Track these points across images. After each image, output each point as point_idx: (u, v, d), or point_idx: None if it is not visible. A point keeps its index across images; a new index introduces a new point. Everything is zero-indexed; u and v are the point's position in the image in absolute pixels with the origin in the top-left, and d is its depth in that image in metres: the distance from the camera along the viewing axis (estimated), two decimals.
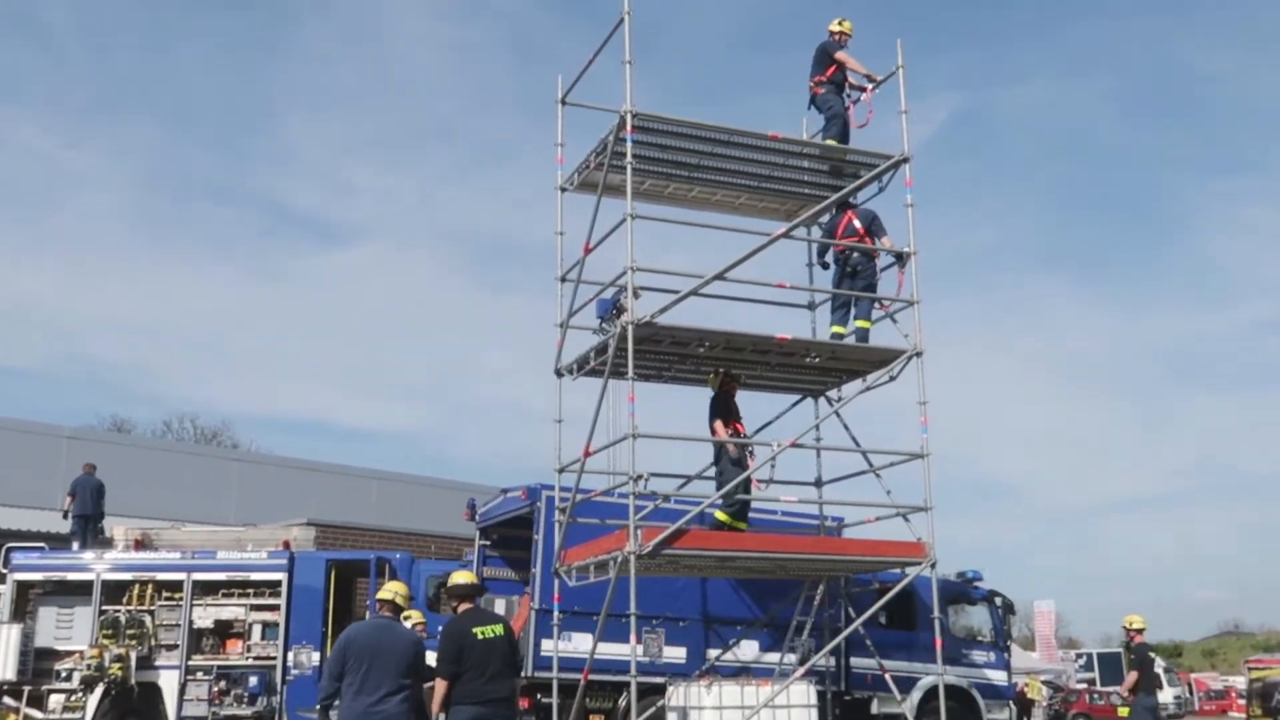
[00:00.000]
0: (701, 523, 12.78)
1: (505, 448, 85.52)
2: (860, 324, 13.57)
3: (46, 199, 74.04)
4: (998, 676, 17.33)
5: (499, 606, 14.30)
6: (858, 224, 13.75)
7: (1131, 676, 14.36)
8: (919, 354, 13.24)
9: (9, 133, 70.26)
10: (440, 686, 8.41)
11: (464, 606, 8.83)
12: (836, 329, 13.65)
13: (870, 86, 14.06)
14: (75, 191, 75.65)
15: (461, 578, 9.07)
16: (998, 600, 17.84)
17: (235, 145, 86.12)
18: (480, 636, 8.49)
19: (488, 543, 16.64)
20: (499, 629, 8.67)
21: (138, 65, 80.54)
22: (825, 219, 14.59)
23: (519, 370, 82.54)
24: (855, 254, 13.66)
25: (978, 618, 18.09)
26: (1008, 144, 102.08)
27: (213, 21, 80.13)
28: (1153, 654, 15.34)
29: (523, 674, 12.46)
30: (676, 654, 15.01)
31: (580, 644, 13.34)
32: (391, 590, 8.61)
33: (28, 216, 72.83)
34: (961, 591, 17.62)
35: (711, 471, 13.76)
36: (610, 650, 12.79)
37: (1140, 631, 14.69)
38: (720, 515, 12.99)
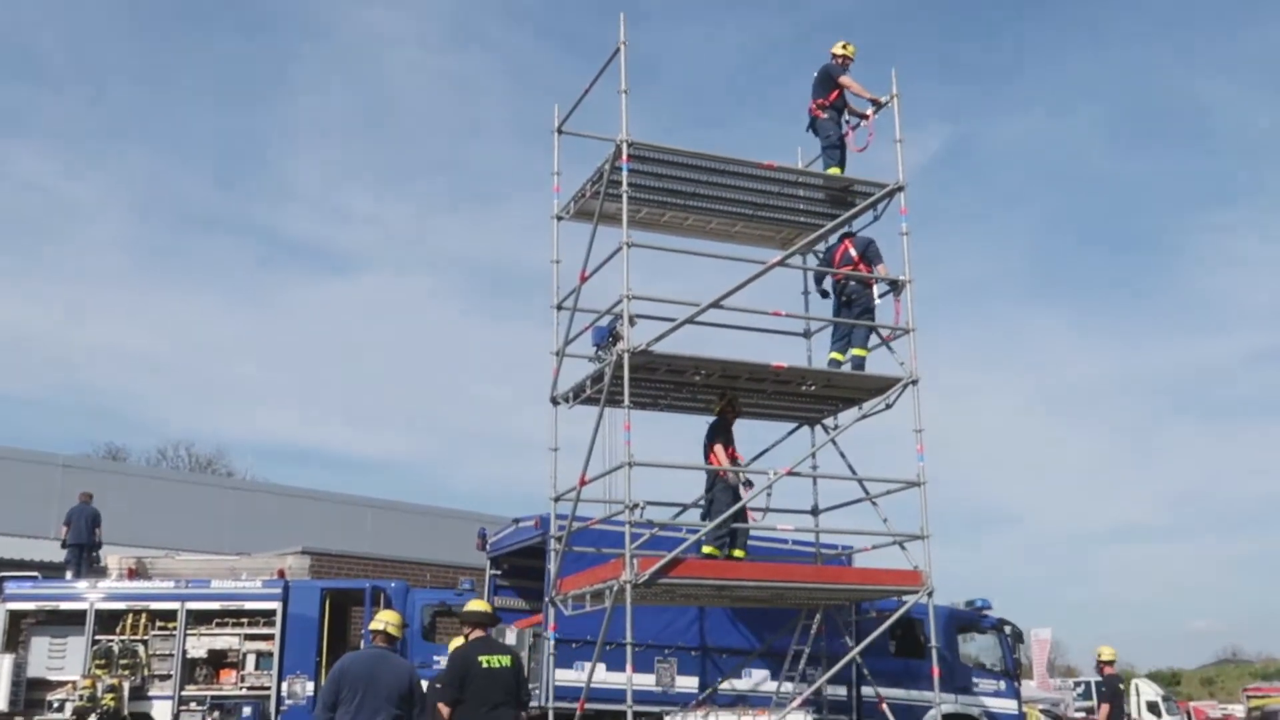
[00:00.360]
0: (697, 552, 12.74)
1: (501, 476, 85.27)
2: (856, 352, 13.57)
3: (44, 229, 74.18)
4: (1008, 705, 17.26)
5: (510, 637, 14.20)
6: (853, 252, 13.79)
7: (1104, 709, 14.38)
8: (914, 382, 13.26)
9: (7, 164, 70.47)
10: (442, 712, 8.40)
11: (475, 634, 8.82)
12: (835, 355, 13.65)
13: (872, 110, 14.10)
14: (73, 222, 75.78)
15: (476, 605, 9.13)
16: (1007, 629, 17.81)
17: (233, 175, 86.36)
18: (485, 665, 8.45)
19: (499, 572, 16.47)
20: (506, 660, 8.62)
21: (136, 96, 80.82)
22: (823, 246, 14.63)
23: (515, 398, 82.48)
24: (851, 282, 13.69)
25: (987, 646, 18.05)
26: (1002, 174, 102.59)
27: (211, 53, 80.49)
28: (1122, 685, 15.40)
29: (529, 705, 12.40)
30: (689, 684, 14.86)
31: (596, 673, 13.21)
32: (383, 620, 8.53)
33: (26, 247, 72.90)
34: (971, 620, 17.60)
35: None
36: (621, 680, 12.67)
37: (1110, 663, 14.68)
38: (708, 549, 12.89)
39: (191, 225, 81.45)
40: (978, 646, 18.05)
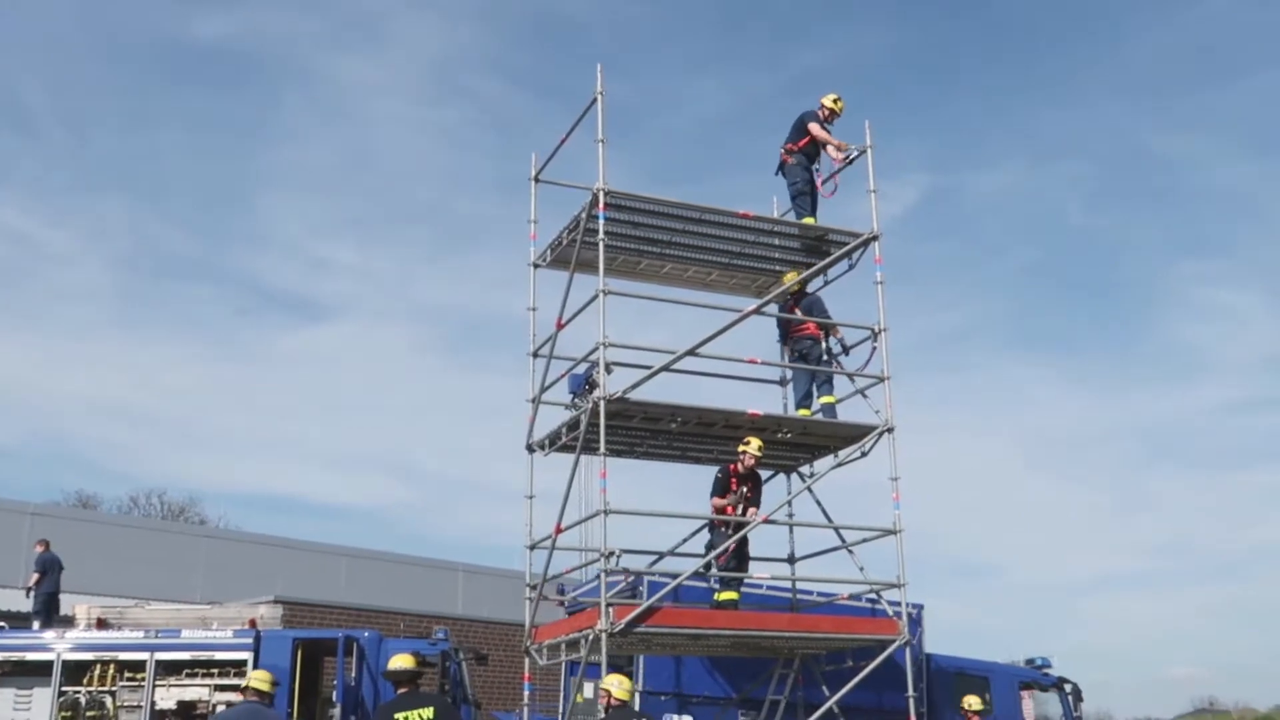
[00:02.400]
0: (676, 599, 12.67)
1: (477, 524, 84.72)
2: (825, 400, 13.62)
3: (22, 277, 73.75)
4: None
5: (587, 690, 13.91)
6: (799, 313, 13.90)
7: None
8: (890, 430, 13.30)
9: None
10: None
11: (403, 690, 8.79)
12: (803, 412, 13.67)
13: (832, 151, 14.17)
14: (52, 270, 75.39)
15: (396, 663, 9.00)
16: (1067, 687, 17.77)
17: (213, 224, 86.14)
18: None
19: None
20: (428, 712, 8.54)
21: (117, 147, 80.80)
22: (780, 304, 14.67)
23: (491, 446, 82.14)
24: (806, 340, 13.79)
25: (1049, 705, 18.00)
26: (979, 225, 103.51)
27: (192, 103, 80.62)
28: None
29: None
30: None
31: None
32: (258, 678, 9.29)
33: (2, 295, 72.43)
34: (1032, 678, 17.60)
35: (685, 547, 13.74)
36: None
37: (979, 713, 14.56)
38: (724, 595, 12.93)
39: (171, 274, 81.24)
40: (1040, 705, 18.00)
